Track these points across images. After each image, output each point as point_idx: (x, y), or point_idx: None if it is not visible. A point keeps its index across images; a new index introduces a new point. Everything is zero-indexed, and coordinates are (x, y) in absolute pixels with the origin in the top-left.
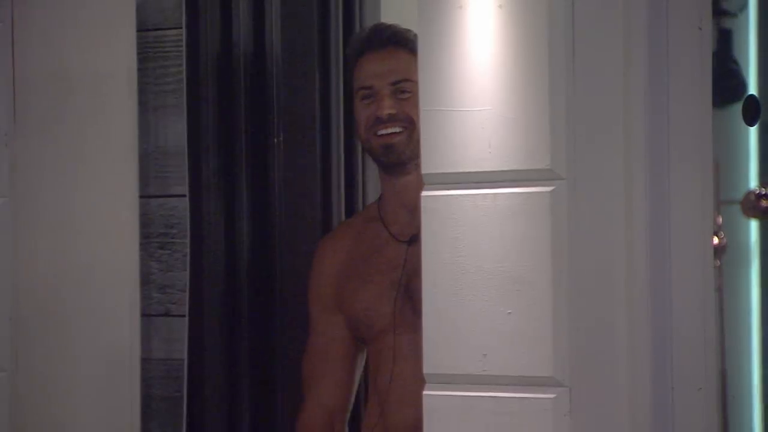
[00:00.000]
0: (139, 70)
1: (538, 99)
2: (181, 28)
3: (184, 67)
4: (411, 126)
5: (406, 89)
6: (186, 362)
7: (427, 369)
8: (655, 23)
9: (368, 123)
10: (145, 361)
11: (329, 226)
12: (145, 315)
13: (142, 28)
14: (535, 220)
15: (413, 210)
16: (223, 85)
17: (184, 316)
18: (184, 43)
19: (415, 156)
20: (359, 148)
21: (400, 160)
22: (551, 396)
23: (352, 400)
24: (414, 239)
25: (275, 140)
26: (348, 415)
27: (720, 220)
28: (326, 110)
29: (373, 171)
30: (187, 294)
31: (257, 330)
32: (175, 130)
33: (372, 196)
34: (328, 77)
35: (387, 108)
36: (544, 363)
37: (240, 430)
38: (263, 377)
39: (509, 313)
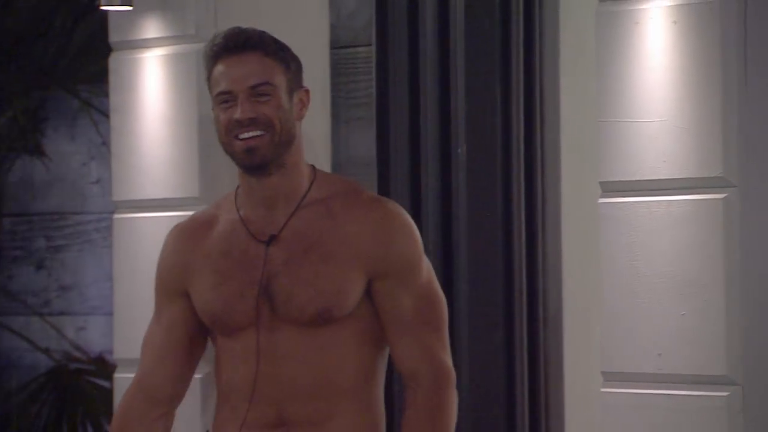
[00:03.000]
0: (332, 85)
1: (710, 109)
2: (371, 45)
3: (373, 82)
4: (271, 129)
5: (264, 92)
6: None
7: (604, 367)
8: None
9: (228, 127)
10: None
11: (509, 232)
12: None
13: (335, 46)
14: (708, 226)
15: (272, 210)
16: (410, 98)
17: None
18: (374, 59)
19: (276, 157)
20: (539, 157)
21: (263, 162)
22: (725, 394)
23: (183, 389)
24: (272, 239)
25: (459, 150)
26: (177, 404)
27: None
28: (507, 121)
29: (552, 179)
30: None
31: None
32: (365, 141)
33: (551, 202)
34: (509, 91)
35: (247, 112)
36: (717, 362)
37: None
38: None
39: (683, 314)
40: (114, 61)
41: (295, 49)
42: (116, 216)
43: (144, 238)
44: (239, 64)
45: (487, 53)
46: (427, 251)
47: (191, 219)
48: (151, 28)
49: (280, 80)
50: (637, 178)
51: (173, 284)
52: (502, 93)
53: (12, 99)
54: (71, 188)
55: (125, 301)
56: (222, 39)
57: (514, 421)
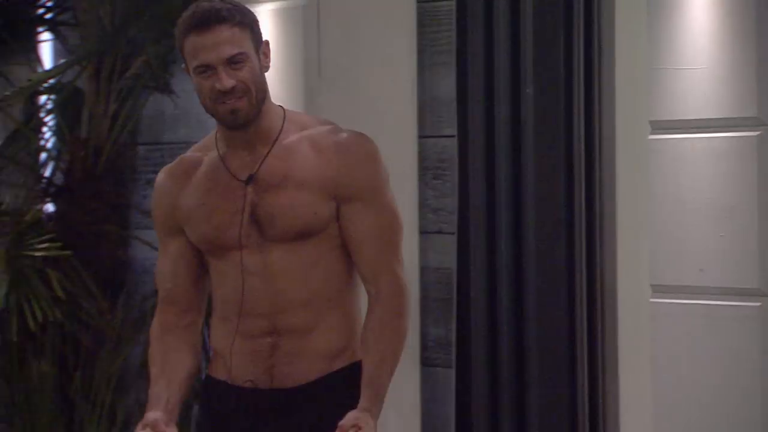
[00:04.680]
0: (418, 34)
1: (746, 58)
2: (452, 0)
3: (454, 31)
4: (249, 92)
5: (238, 60)
6: (455, 271)
7: (653, 281)
8: None
9: (212, 95)
10: (423, 269)
11: (570, 163)
12: (423, 232)
13: (420, 0)
14: (744, 159)
15: (251, 151)
16: (485, 46)
17: (453, 233)
18: (454, 12)
19: (255, 116)
20: (596, 98)
21: (245, 121)
22: (757, 304)
23: (203, 298)
24: (251, 179)
25: (527, 90)
26: (201, 317)
27: None
28: (569, 66)
29: (607, 117)
30: (456, 215)
31: (514, 241)
32: (447, 83)
33: (607, 137)
34: (571, 39)
35: (227, 81)
36: (751, 276)
37: (500, 324)
38: (519, 278)
39: (722, 235)
40: None
41: (386, 4)
42: None
43: None
44: (212, 37)
45: (552, 7)
46: (498, 176)
47: (178, 161)
48: None
49: (249, 45)
50: (682, 118)
51: (169, 222)
52: (565, 40)
53: (145, 45)
54: (195, 121)
55: None
56: (194, 14)
57: (574, 325)
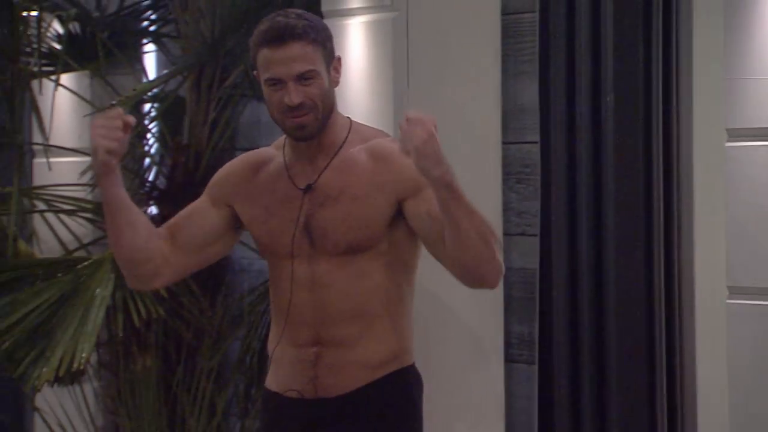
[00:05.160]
0: (502, 45)
1: None
2: (535, 12)
3: (537, 42)
4: (315, 108)
5: (308, 76)
6: (538, 271)
7: (729, 282)
8: None
9: (280, 109)
10: (507, 269)
11: (649, 166)
12: (507, 234)
13: (505, 13)
14: None
15: (312, 161)
16: (566, 56)
17: (536, 235)
18: (537, 23)
19: (321, 130)
20: (674, 105)
21: (311, 135)
22: None
23: (174, 265)
24: (309, 188)
25: (607, 98)
26: (167, 272)
27: None
28: (648, 74)
29: (685, 124)
30: (538, 218)
31: (594, 242)
32: (530, 92)
33: (685, 143)
34: (650, 49)
35: (295, 97)
36: None
37: (581, 323)
38: (599, 279)
39: None
40: None
41: (472, 15)
42: None
43: None
44: (285, 53)
45: (631, 17)
46: (579, 180)
47: (257, 152)
48: None
49: (321, 63)
50: (759, 126)
51: (219, 195)
52: (644, 50)
53: (243, 56)
54: None
55: None
56: (268, 29)
57: (652, 323)
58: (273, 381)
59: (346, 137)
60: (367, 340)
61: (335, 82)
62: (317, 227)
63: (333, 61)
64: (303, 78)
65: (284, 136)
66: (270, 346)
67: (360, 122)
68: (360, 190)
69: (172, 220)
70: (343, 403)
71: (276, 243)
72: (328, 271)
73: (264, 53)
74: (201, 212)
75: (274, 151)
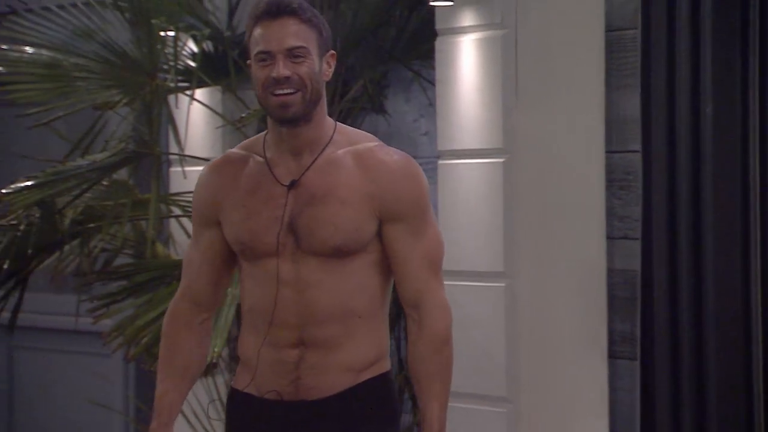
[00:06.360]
0: (606, 59)
1: None
2: (637, 28)
3: (639, 56)
4: (303, 88)
5: (299, 54)
6: (640, 272)
7: None
8: None
9: (266, 83)
10: (611, 271)
11: (746, 171)
12: (610, 238)
13: (609, 29)
14: None
15: (297, 157)
16: (667, 69)
17: (638, 239)
18: (639, 39)
19: (305, 113)
20: None
21: (295, 116)
22: None
23: (220, 295)
24: (293, 184)
25: (707, 110)
26: (214, 311)
27: None
28: (745, 86)
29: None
30: (640, 223)
31: (693, 246)
32: (632, 104)
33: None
34: (747, 62)
35: (283, 71)
36: None
37: (680, 321)
38: (698, 279)
39: None
40: (439, 43)
41: (577, 32)
42: (440, 162)
43: (463, 180)
44: (278, 27)
45: (729, 32)
46: (679, 187)
47: (224, 157)
48: (467, 17)
49: (313, 45)
50: None
51: (206, 214)
52: (742, 63)
53: (362, 72)
54: (407, 139)
55: (446, 227)
56: (264, 4)
57: (750, 321)
58: (247, 382)
59: (332, 136)
60: (350, 343)
61: (326, 75)
62: (303, 226)
63: (327, 55)
64: (294, 55)
65: (261, 134)
66: (246, 351)
67: (344, 125)
68: (349, 194)
69: (188, 284)
70: (324, 405)
71: (258, 241)
72: (313, 271)
73: (258, 29)
74: (206, 246)
75: (243, 152)
